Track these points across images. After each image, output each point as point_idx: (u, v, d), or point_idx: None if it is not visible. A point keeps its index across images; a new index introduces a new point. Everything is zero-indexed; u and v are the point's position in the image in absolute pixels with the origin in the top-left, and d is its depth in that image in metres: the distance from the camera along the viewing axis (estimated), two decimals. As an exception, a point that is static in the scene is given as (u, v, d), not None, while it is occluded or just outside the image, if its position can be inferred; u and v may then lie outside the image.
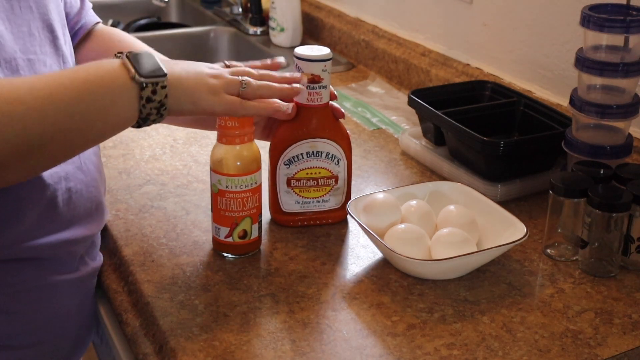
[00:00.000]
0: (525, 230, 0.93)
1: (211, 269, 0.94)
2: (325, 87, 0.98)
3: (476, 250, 0.93)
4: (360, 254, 0.99)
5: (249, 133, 0.93)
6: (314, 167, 1.01)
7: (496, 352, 0.81)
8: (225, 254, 0.96)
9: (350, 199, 1.05)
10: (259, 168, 0.94)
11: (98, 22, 1.07)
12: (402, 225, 0.95)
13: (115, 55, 0.83)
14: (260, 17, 1.96)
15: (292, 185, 1.01)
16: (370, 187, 1.16)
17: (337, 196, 1.04)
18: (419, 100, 1.23)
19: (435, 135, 1.22)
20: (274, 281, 0.92)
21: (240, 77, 0.88)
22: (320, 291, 0.91)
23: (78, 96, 0.77)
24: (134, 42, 1.06)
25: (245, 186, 0.93)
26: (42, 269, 0.88)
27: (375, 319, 0.86)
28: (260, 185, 0.95)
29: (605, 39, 1.00)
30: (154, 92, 0.80)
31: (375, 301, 0.89)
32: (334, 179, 1.02)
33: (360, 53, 1.72)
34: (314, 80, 0.97)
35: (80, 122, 0.78)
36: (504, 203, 1.05)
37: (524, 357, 0.81)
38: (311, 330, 0.84)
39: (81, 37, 1.04)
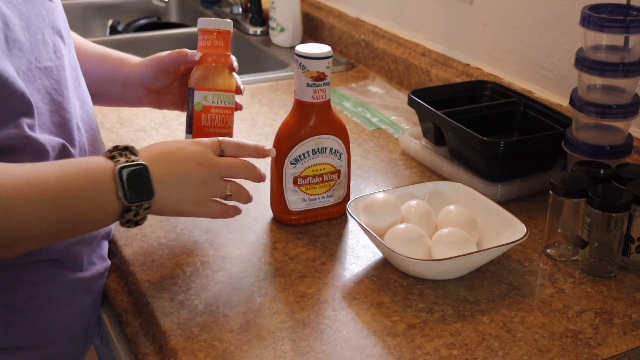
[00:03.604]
0: (525, 230, 0.93)
1: (211, 269, 0.94)
2: (328, 83, 0.99)
3: (476, 250, 0.93)
4: (360, 254, 0.99)
5: (228, 55, 0.99)
6: (319, 164, 1.02)
7: (496, 352, 0.81)
8: None
9: (350, 191, 1.06)
10: (234, 90, 0.99)
11: None
12: (402, 225, 0.95)
13: (107, 153, 0.82)
14: (260, 17, 1.96)
15: (298, 183, 1.02)
16: (370, 187, 1.16)
17: (340, 190, 1.05)
18: (419, 100, 1.23)
19: (435, 135, 1.22)
20: (274, 281, 0.92)
21: (227, 186, 0.88)
22: (320, 291, 0.91)
23: (60, 207, 0.77)
24: (87, 47, 1.08)
25: (228, 103, 0.97)
26: (57, 269, 0.89)
27: (375, 319, 0.86)
28: (233, 108, 0.99)
29: (605, 39, 1.00)
30: (136, 214, 0.82)
31: (375, 301, 0.89)
32: (337, 174, 1.04)
33: (360, 53, 1.72)
34: (319, 77, 0.98)
35: (56, 229, 0.78)
36: (504, 203, 1.05)
37: (524, 357, 0.81)
38: (311, 330, 0.84)
39: None
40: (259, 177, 0.92)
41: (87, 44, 1.11)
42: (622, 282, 0.94)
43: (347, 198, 1.06)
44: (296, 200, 1.03)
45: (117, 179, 0.79)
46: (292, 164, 1.00)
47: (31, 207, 0.74)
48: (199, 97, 0.96)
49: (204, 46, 0.98)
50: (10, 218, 0.73)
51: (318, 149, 1.01)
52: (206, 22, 0.98)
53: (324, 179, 1.03)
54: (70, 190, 0.77)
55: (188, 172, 0.85)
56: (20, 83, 0.80)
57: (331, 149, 1.02)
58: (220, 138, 0.89)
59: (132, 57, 1.10)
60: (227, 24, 0.99)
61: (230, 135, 0.97)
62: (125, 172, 0.80)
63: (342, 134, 1.02)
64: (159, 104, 1.09)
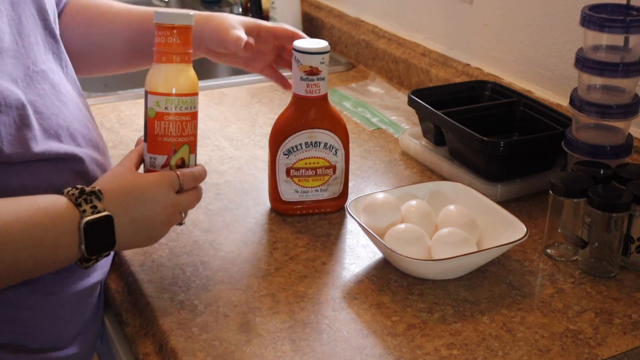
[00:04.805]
0: (525, 230, 0.93)
1: (211, 269, 0.94)
2: (323, 79, 1.00)
3: (476, 250, 0.93)
4: (360, 254, 0.99)
5: (188, 53, 0.88)
6: (312, 157, 1.03)
7: (496, 352, 0.81)
8: None
9: (347, 188, 1.07)
10: (196, 93, 0.89)
11: None
12: (402, 225, 0.95)
13: (71, 197, 0.79)
14: (261, 17, 1.96)
15: (291, 174, 1.03)
16: (370, 187, 1.16)
17: (335, 185, 1.05)
18: (419, 100, 1.23)
19: (435, 135, 1.22)
20: (274, 281, 0.92)
21: (183, 215, 0.88)
22: (320, 291, 0.91)
23: (22, 255, 0.75)
24: (108, 7, 1.07)
25: (186, 108, 0.87)
26: (68, 275, 0.89)
27: (375, 319, 0.86)
28: (197, 112, 0.89)
29: (605, 39, 1.00)
30: (95, 261, 0.81)
31: (375, 301, 0.89)
32: (332, 169, 1.04)
33: (360, 53, 1.72)
34: (312, 72, 0.99)
35: (12, 273, 0.77)
36: (504, 203, 1.05)
37: (524, 357, 0.81)
38: (311, 330, 0.84)
39: (63, 11, 1.05)
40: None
41: (130, 8, 1.10)
42: (622, 282, 0.94)
43: (344, 194, 1.07)
44: (289, 191, 1.04)
45: (81, 232, 0.78)
46: (284, 154, 1.02)
47: None
48: (151, 101, 0.87)
49: (158, 43, 0.87)
50: None
51: (312, 142, 1.02)
52: (161, 17, 0.87)
53: (318, 173, 1.04)
54: (34, 240, 0.76)
55: (151, 216, 0.83)
56: (17, 94, 0.80)
57: (326, 144, 1.02)
58: (179, 172, 0.86)
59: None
60: (186, 17, 0.87)
61: (190, 144, 0.89)
62: (89, 226, 0.78)
63: (339, 130, 1.03)
64: (217, 59, 1.10)
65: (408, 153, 1.27)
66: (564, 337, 0.84)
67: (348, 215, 1.00)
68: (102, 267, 0.95)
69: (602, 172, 0.98)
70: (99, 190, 0.80)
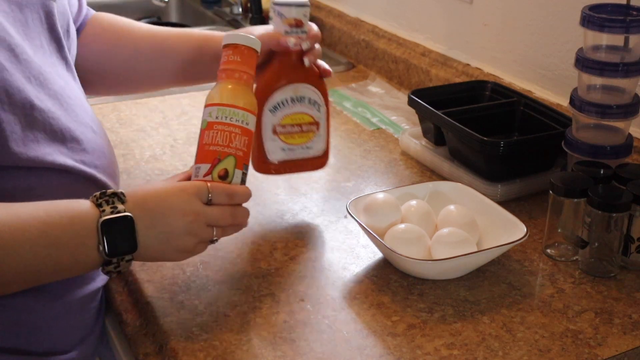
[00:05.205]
0: (525, 230, 0.93)
1: (211, 269, 0.94)
2: (305, 32, 1.00)
3: (476, 250, 0.93)
4: (360, 254, 0.99)
5: (249, 73, 0.89)
6: (298, 113, 1.02)
7: (496, 352, 0.81)
8: None
9: (329, 146, 1.06)
10: (253, 111, 0.89)
11: (93, 13, 1.09)
12: (402, 225, 0.95)
13: (93, 198, 0.79)
14: (260, 17, 1.96)
15: (277, 132, 1.02)
16: (370, 187, 1.16)
17: (319, 143, 1.05)
18: (419, 100, 1.23)
19: (435, 135, 1.22)
20: (274, 281, 0.92)
21: (213, 232, 0.84)
22: (320, 291, 0.91)
23: (40, 257, 0.75)
24: (131, 28, 1.08)
25: (236, 120, 0.87)
26: (85, 277, 0.89)
27: (375, 319, 0.86)
28: (252, 132, 0.89)
29: (605, 39, 1.00)
30: (117, 266, 0.79)
31: (375, 301, 0.89)
32: (315, 125, 1.04)
33: (360, 53, 1.72)
34: (297, 24, 0.99)
35: (33, 277, 0.77)
36: (504, 203, 1.05)
37: (524, 357, 0.81)
38: (311, 330, 0.84)
39: (83, 30, 1.05)
40: (241, 227, 0.87)
41: (156, 28, 1.10)
42: (622, 282, 0.94)
43: (326, 153, 1.06)
44: (275, 150, 1.02)
45: (99, 232, 0.77)
46: (270, 111, 1.01)
47: (8, 253, 0.73)
48: (205, 114, 0.88)
49: (222, 61, 0.89)
50: None
51: (297, 97, 1.01)
52: (228, 37, 0.90)
53: (303, 129, 1.03)
54: (52, 240, 0.75)
55: (173, 222, 0.81)
56: (25, 93, 0.80)
57: (310, 99, 1.02)
58: (209, 184, 0.83)
59: (214, 32, 1.10)
60: (250, 40, 0.90)
61: (237, 158, 0.87)
62: (108, 225, 0.77)
63: (319, 84, 1.03)
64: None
65: (408, 153, 1.27)
66: (564, 337, 0.84)
67: (348, 215, 1.00)
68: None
69: (602, 172, 0.98)
70: (122, 193, 0.79)
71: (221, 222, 0.84)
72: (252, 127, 0.89)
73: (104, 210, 0.77)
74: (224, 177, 0.86)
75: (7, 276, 0.74)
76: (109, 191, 0.79)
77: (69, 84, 0.90)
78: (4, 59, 0.78)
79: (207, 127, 0.87)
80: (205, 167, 0.86)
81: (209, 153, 0.86)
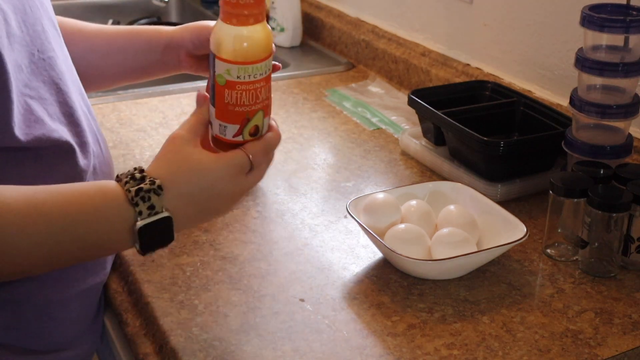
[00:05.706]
0: (525, 230, 0.93)
1: (211, 269, 0.94)
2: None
3: (476, 250, 0.93)
4: (360, 254, 0.99)
5: (262, 11, 0.78)
6: None
7: (496, 352, 0.81)
8: None
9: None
10: (270, 53, 0.80)
11: None
12: (402, 225, 0.95)
13: (127, 192, 0.75)
14: (260, 17, 1.95)
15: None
16: (370, 187, 1.16)
17: None
18: (419, 100, 1.23)
19: (435, 135, 1.22)
20: (273, 281, 0.92)
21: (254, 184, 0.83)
22: (320, 291, 0.91)
23: (72, 242, 0.74)
24: (82, 26, 1.08)
25: (260, 75, 0.79)
26: (78, 271, 0.89)
27: (375, 319, 0.86)
28: (270, 74, 0.82)
29: (605, 39, 1.00)
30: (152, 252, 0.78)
31: (375, 301, 0.89)
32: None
33: (360, 53, 1.71)
34: None
35: (66, 260, 0.76)
36: (504, 203, 1.05)
37: (524, 357, 0.81)
38: (311, 330, 0.84)
39: None
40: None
41: (105, 27, 1.11)
42: (622, 282, 0.94)
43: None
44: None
45: (136, 235, 0.74)
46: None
47: (41, 245, 0.72)
48: (220, 68, 0.78)
49: (228, 2, 0.77)
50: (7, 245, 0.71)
51: None
52: None
53: None
54: (86, 230, 0.74)
55: (218, 207, 0.80)
56: (22, 79, 0.80)
57: None
58: (250, 155, 0.79)
59: (163, 27, 1.10)
60: None
61: (264, 109, 0.81)
62: (144, 229, 0.74)
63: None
64: (197, 69, 1.08)
65: (408, 153, 1.27)
66: (564, 337, 0.84)
67: (348, 215, 1.00)
68: (105, 267, 0.95)
69: (602, 172, 0.98)
70: (159, 187, 0.75)
71: (261, 179, 0.83)
72: (271, 67, 0.81)
73: (140, 212, 0.74)
74: (255, 133, 0.82)
75: (38, 261, 0.73)
76: (146, 185, 0.75)
77: (70, 68, 0.91)
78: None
79: (226, 85, 0.79)
80: (233, 128, 0.80)
81: (236, 114, 0.80)
